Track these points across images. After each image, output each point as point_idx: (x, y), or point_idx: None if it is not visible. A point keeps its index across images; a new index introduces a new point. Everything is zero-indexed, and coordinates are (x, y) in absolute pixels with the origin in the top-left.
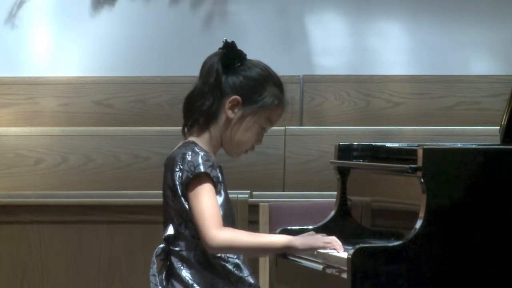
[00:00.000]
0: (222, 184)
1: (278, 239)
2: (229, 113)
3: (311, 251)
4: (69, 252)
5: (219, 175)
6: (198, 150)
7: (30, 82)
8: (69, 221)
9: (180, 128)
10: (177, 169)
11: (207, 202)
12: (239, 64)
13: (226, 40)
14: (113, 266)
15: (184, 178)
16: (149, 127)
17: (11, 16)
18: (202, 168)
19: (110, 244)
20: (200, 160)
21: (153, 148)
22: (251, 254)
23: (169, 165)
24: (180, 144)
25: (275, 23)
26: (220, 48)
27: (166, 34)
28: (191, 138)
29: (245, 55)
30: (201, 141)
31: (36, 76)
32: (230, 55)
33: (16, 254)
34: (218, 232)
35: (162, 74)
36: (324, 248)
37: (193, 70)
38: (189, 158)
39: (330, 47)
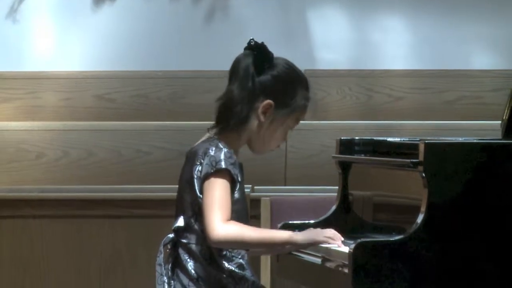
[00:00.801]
0: (240, 183)
1: (280, 235)
2: (262, 118)
3: (312, 246)
4: (71, 246)
5: (239, 173)
6: (222, 147)
7: (31, 76)
8: (71, 215)
9: (182, 122)
10: (197, 163)
11: (218, 195)
12: (268, 65)
13: (255, 40)
14: (114, 261)
15: (203, 172)
16: (150, 121)
17: (13, 10)
18: (223, 164)
19: (111, 239)
20: (223, 156)
21: (154, 143)
22: (253, 249)
23: (190, 158)
24: (204, 138)
25: (276, 17)
26: (246, 48)
27: (167, 29)
28: (217, 135)
29: (273, 55)
30: (227, 139)
31: (38, 70)
32: (261, 57)
33: (17, 249)
34: (221, 225)
35: (163, 68)
36: (325, 242)
37: (194, 64)
38: (212, 153)
39: (331, 42)
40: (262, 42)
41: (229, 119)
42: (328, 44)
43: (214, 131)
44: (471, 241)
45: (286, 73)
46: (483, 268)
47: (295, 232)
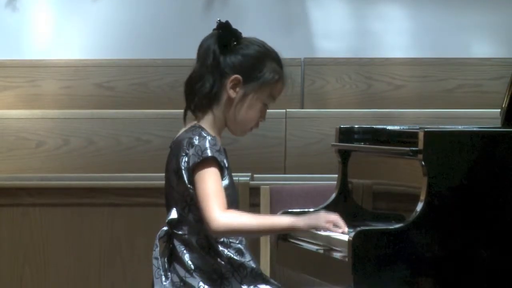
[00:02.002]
0: (228, 169)
1: (282, 221)
2: (231, 93)
3: (315, 230)
4: (70, 235)
5: (225, 159)
6: (205, 135)
7: (31, 64)
8: (70, 203)
9: (182, 111)
10: (183, 154)
11: (212, 185)
12: (235, 43)
13: (219, 20)
14: (114, 249)
15: (191, 162)
16: (150, 110)
17: None
18: (209, 153)
19: (111, 227)
20: (208, 145)
21: (154, 131)
22: (255, 236)
23: (175, 149)
24: (187, 127)
25: (276, 5)
26: (214, 29)
27: (167, 17)
28: (197, 122)
29: (240, 33)
30: (206, 124)
31: (38, 58)
32: (225, 35)
33: (17, 237)
34: (221, 214)
35: (163, 56)
36: (327, 229)
37: (194, 53)
38: (196, 142)
39: (331, 30)
40: (227, 21)
41: (194, 95)
42: (327, 33)
43: (194, 118)
44: (470, 229)
45: (255, 49)
46: (482, 256)
47: (297, 218)
